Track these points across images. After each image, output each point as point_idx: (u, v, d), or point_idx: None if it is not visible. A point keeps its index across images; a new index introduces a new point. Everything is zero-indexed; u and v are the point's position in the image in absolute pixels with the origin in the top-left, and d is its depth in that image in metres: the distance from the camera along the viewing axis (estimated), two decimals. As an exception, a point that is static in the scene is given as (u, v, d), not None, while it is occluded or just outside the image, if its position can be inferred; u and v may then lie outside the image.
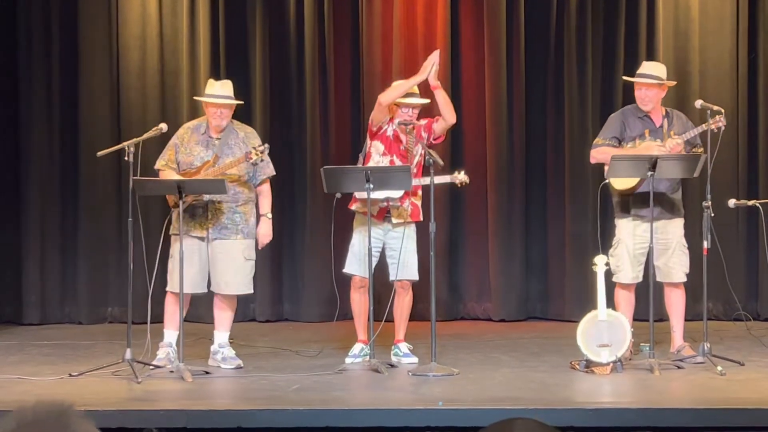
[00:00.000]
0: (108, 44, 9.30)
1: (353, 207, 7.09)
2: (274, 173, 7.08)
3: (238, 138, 6.93)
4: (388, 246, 7.05)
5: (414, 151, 7.02)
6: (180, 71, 9.24)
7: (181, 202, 6.54)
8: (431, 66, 6.86)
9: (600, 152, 6.96)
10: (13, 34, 9.35)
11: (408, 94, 6.93)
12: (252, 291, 7.15)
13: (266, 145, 6.80)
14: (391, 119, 7.02)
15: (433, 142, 7.03)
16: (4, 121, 9.36)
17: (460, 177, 7.09)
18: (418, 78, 6.91)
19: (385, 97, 6.93)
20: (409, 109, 6.94)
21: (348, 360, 6.95)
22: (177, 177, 6.77)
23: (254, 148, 6.76)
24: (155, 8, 9.32)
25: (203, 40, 9.25)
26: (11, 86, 9.35)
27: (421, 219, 7.08)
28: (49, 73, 9.31)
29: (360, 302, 7.09)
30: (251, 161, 6.76)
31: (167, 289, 6.89)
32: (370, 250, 6.72)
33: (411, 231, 7.06)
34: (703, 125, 6.75)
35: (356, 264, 7.04)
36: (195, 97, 7.32)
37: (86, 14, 9.30)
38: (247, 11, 9.30)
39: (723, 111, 6.73)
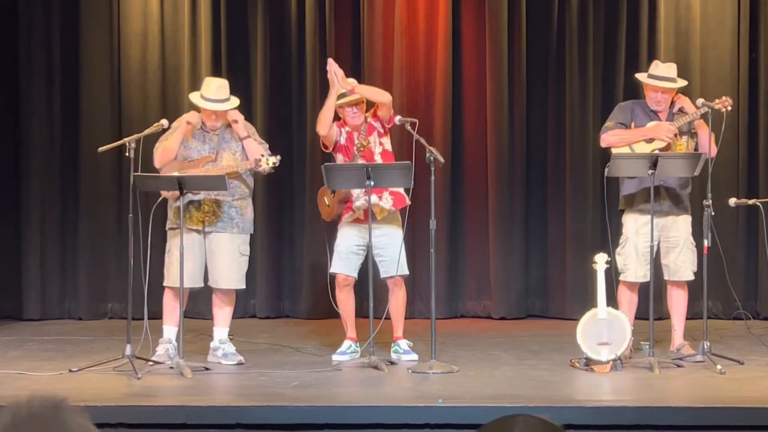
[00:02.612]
0: (109, 40, 9.30)
1: (345, 217, 7.06)
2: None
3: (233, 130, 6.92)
4: (373, 245, 6.98)
5: (371, 142, 7.01)
6: (181, 68, 9.24)
7: (181, 198, 6.54)
8: (333, 75, 6.89)
9: (611, 135, 6.91)
10: (14, 29, 9.34)
11: (340, 96, 6.96)
12: (245, 286, 7.10)
13: (278, 157, 6.77)
14: (344, 124, 7.04)
15: (387, 126, 7.04)
16: (4, 117, 9.35)
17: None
18: (333, 94, 6.93)
19: (321, 127, 6.94)
20: (351, 108, 6.98)
21: (335, 357, 6.95)
22: (175, 172, 6.77)
23: (264, 156, 6.71)
24: (156, 4, 9.31)
25: (204, 36, 9.24)
26: (12, 82, 9.35)
27: (409, 203, 7.01)
28: (49, 70, 9.31)
29: (346, 301, 7.10)
30: (260, 169, 6.74)
31: (165, 284, 6.88)
32: (369, 247, 6.75)
33: (397, 227, 7.03)
34: (703, 107, 6.76)
35: (339, 263, 7.04)
36: (192, 97, 7.09)
37: (87, 10, 9.30)
38: (248, 8, 9.29)
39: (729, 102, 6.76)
